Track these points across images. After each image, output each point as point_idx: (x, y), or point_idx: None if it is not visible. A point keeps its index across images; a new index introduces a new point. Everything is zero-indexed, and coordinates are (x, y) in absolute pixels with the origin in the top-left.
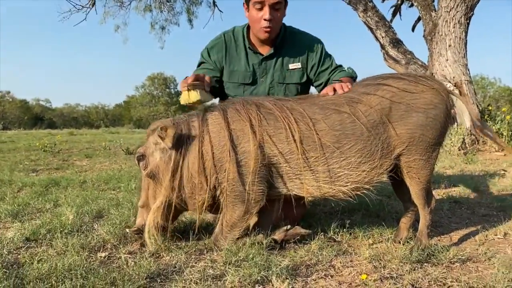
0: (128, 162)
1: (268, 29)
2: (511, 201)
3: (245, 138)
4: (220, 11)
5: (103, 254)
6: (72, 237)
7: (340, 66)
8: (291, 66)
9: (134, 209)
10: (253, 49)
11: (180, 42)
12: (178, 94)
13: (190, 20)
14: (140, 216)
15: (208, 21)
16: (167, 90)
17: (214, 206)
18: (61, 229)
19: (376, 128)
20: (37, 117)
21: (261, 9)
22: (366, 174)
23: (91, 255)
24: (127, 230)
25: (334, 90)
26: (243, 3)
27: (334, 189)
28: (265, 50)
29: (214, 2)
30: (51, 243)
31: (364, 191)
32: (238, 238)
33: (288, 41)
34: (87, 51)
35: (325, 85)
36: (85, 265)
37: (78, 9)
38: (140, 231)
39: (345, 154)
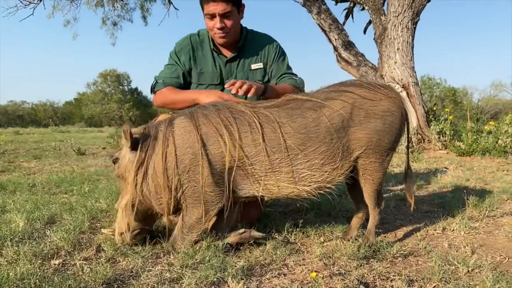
0: (80, 163)
1: (222, 35)
2: (450, 198)
3: (210, 141)
4: (176, 8)
5: (57, 262)
6: (23, 245)
7: (290, 71)
8: (253, 66)
9: (89, 214)
10: (217, 51)
11: (134, 39)
12: (132, 91)
13: (144, 17)
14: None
15: (164, 19)
16: (120, 87)
17: (180, 207)
18: (11, 237)
19: (338, 131)
20: None
21: (212, 19)
22: (328, 174)
23: (44, 263)
24: (103, 230)
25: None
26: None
27: (299, 189)
28: (228, 53)
29: (169, 0)
30: (1, 252)
31: (327, 190)
32: (196, 241)
33: (249, 43)
34: (33, 45)
35: None
36: (39, 274)
37: (26, 5)
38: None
39: (309, 156)
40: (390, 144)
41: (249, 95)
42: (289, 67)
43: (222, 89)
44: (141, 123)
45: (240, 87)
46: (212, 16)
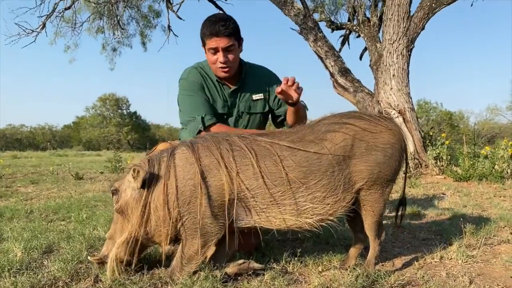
0: (78, 188)
1: (226, 69)
2: (447, 225)
3: (211, 173)
4: (175, 35)
5: None
6: (21, 275)
7: None
8: (254, 97)
9: (86, 242)
10: (222, 82)
11: (134, 63)
12: (131, 115)
13: (143, 43)
14: (106, 246)
15: (163, 45)
16: (119, 111)
17: (179, 238)
18: (9, 267)
19: (340, 164)
20: None
21: (215, 53)
22: (330, 207)
23: None
24: (89, 257)
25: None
26: (202, 45)
27: (301, 221)
28: (231, 85)
29: (169, 27)
30: None
31: (329, 222)
32: (194, 272)
33: (249, 75)
34: (33, 69)
35: (284, 117)
36: None
37: (28, 33)
38: (102, 261)
39: (311, 189)
40: (390, 176)
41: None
42: None
43: (227, 118)
44: (140, 147)
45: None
46: (215, 51)
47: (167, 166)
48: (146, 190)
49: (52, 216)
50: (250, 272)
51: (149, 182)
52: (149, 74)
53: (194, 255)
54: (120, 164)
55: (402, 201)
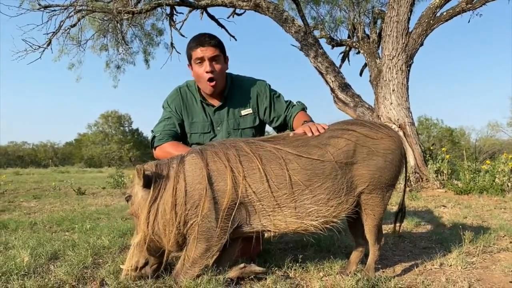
0: (81, 202)
1: (213, 83)
2: (448, 234)
3: (219, 177)
4: (178, 52)
5: None
6: (28, 279)
7: (290, 102)
8: (243, 112)
9: (91, 250)
10: (205, 102)
11: (136, 80)
12: (133, 132)
13: (146, 60)
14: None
15: (166, 62)
16: (121, 128)
17: (184, 244)
18: (17, 271)
19: (343, 168)
20: None
21: (201, 63)
22: (334, 209)
23: None
24: (120, 265)
25: (311, 131)
26: (187, 65)
27: (306, 224)
28: (216, 102)
29: (172, 44)
30: (7, 286)
31: (333, 224)
32: (198, 275)
33: (236, 90)
34: (35, 87)
35: (283, 123)
36: None
37: (35, 49)
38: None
39: (316, 191)
40: (391, 181)
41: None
42: (285, 100)
43: (213, 137)
44: (141, 164)
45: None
46: (201, 60)
47: (177, 171)
48: (153, 190)
49: (56, 227)
50: (252, 276)
51: (157, 184)
52: (151, 91)
53: (198, 259)
54: (122, 179)
55: (402, 208)
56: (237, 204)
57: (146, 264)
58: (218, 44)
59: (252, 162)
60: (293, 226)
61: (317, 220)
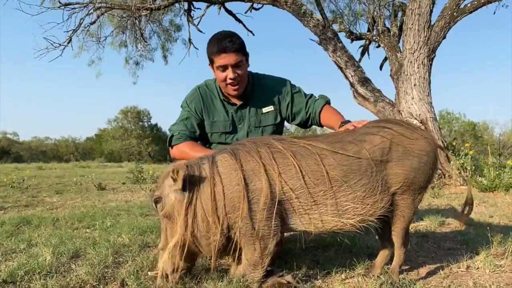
0: (101, 198)
1: (236, 87)
2: (473, 235)
3: (256, 177)
4: (196, 48)
5: None
6: (50, 278)
7: (311, 95)
8: (264, 110)
9: (112, 248)
10: (227, 100)
11: (155, 76)
12: (152, 127)
13: (165, 57)
14: (160, 258)
15: (184, 58)
16: (140, 123)
17: (228, 249)
18: (39, 271)
19: (378, 165)
20: (3, 150)
21: (224, 70)
22: (370, 207)
23: None
24: (149, 273)
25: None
26: (208, 64)
27: (343, 222)
28: (237, 101)
29: (190, 40)
30: (29, 285)
31: (370, 223)
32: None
33: (257, 88)
34: (58, 83)
35: (306, 120)
36: None
37: (56, 47)
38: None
39: (352, 188)
40: (423, 183)
41: None
42: (306, 94)
43: (234, 136)
44: (160, 158)
45: None
46: (224, 68)
47: (211, 173)
48: (188, 192)
49: (77, 224)
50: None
51: (191, 185)
52: (169, 86)
53: (258, 259)
54: (142, 174)
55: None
56: (276, 201)
57: (177, 269)
58: (240, 48)
59: (287, 158)
60: (330, 225)
61: (353, 218)
